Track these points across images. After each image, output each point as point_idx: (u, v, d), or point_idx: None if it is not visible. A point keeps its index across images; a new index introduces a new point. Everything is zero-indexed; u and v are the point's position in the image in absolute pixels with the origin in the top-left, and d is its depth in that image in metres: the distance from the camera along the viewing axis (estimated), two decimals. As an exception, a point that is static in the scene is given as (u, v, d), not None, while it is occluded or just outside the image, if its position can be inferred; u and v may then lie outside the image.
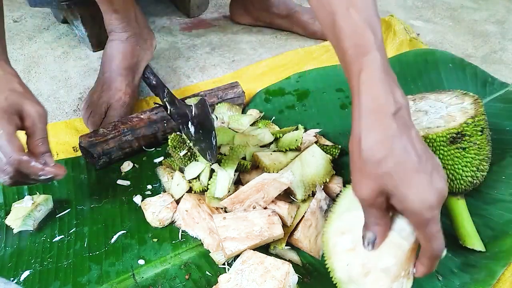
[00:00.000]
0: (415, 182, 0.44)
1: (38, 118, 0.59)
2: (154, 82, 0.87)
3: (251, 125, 0.85)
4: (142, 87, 1.01)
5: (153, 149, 0.83)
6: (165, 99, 0.80)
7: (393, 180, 0.44)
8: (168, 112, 0.80)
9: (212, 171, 0.71)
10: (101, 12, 0.89)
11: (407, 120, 0.46)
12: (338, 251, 0.53)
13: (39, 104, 0.60)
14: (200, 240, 0.67)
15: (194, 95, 0.87)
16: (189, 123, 0.71)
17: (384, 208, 0.48)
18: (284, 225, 0.65)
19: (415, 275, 0.50)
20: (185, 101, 0.83)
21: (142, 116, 0.82)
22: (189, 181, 0.72)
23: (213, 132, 0.64)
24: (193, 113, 0.67)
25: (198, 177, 0.71)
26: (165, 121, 0.82)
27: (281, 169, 0.70)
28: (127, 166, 0.80)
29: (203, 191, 0.71)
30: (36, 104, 0.60)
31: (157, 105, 0.83)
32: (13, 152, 0.55)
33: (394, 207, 0.47)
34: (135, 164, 0.80)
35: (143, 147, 0.83)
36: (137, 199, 0.74)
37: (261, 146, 0.77)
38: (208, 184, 0.69)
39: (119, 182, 0.77)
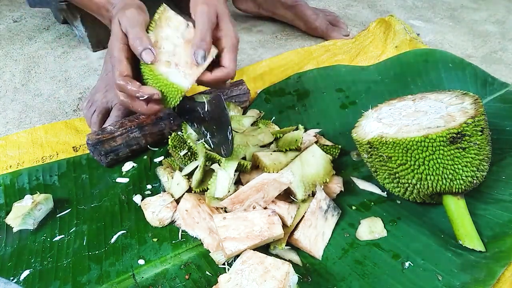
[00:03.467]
0: (231, 21, 0.69)
1: (127, 27, 0.65)
2: None
3: (251, 125, 0.85)
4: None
5: (160, 148, 0.83)
6: None
7: (224, 9, 0.69)
8: (176, 110, 0.80)
9: (212, 171, 0.71)
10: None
11: None
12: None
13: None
14: (200, 240, 0.67)
15: (199, 93, 0.87)
16: (200, 119, 0.71)
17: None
18: (284, 225, 0.65)
19: (206, 78, 0.67)
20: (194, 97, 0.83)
21: None
22: (189, 180, 0.72)
23: (229, 126, 0.63)
24: (205, 109, 0.68)
25: (192, 173, 0.71)
26: (171, 118, 0.82)
27: (281, 169, 0.70)
28: (128, 166, 0.80)
29: (203, 191, 0.71)
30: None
31: None
32: (117, 76, 0.64)
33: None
34: (135, 164, 0.81)
35: (150, 145, 0.83)
36: (137, 198, 0.74)
37: (261, 146, 0.77)
38: (208, 184, 0.69)
39: (118, 180, 0.77)
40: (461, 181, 0.62)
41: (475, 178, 0.63)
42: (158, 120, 0.81)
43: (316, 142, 0.79)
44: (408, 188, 0.66)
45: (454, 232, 0.64)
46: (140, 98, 0.64)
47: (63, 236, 0.69)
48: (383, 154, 0.65)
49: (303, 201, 0.68)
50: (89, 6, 0.78)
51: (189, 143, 0.75)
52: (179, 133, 0.79)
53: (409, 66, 0.99)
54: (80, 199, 0.75)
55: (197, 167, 0.71)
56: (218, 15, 0.69)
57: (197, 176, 0.70)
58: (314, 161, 0.72)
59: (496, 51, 1.18)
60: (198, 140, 0.74)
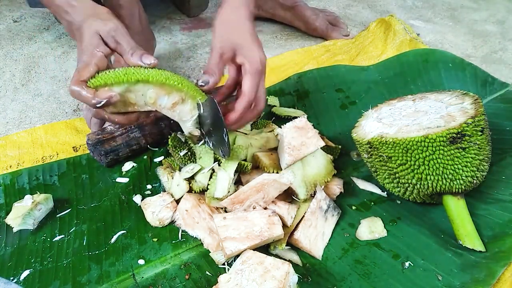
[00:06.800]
0: (255, 46, 0.67)
1: (117, 36, 0.63)
2: None
3: (251, 125, 0.85)
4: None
5: (160, 149, 0.83)
6: None
7: (242, 42, 0.67)
8: None
9: (212, 171, 0.71)
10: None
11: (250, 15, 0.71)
12: None
13: (112, 22, 0.64)
14: (200, 240, 0.67)
15: None
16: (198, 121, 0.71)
17: (225, 64, 0.68)
18: (284, 225, 0.65)
19: (231, 124, 0.66)
20: None
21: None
22: (189, 181, 0.72)
23: (224, 129, 0.64)
24: (201, 110, 0.67)
25: (194, 176, 0.71)
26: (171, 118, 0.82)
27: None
28: (128, 166, 0.80)
29: (203, 191, 0.71)
30: (110, 24, 0.63)
31: None
32: (72, 82, 0.59)
33: (236, 64, 0.68)
34: (135, 164, 0.81)
35: (150, 145, 0.83)
36: (137, 198, 0.74)
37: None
38: (208, 184, 0.69)
39: (118, 180, 0.77)
40: (461, 181, 0.62)
41: (475, 178, 0.63)
42: (158, 120, 0.81)
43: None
44: (408, 188, 0.66)
45: (454, 232, 0.64)
46: (97, 105, 0.59)
47: (63, 236, 0.69)
48: (383, 154, 0.65)
49: (304, 201, 0.68)
50: (50, 7, 0.72)
51: (190, 144, 0.75)
52: (178, 133, 0.79)
53: (409, 66, 0.99)
54: (80, 199, 0.75)
55: (198, 170, 0.71)
56: (235, 43, 0.67)
57: (204, 180, 0.70)
58: (315, 161, 0.72)
59: (496, 51, 1.18)
60: (199, 140, 0.74)
